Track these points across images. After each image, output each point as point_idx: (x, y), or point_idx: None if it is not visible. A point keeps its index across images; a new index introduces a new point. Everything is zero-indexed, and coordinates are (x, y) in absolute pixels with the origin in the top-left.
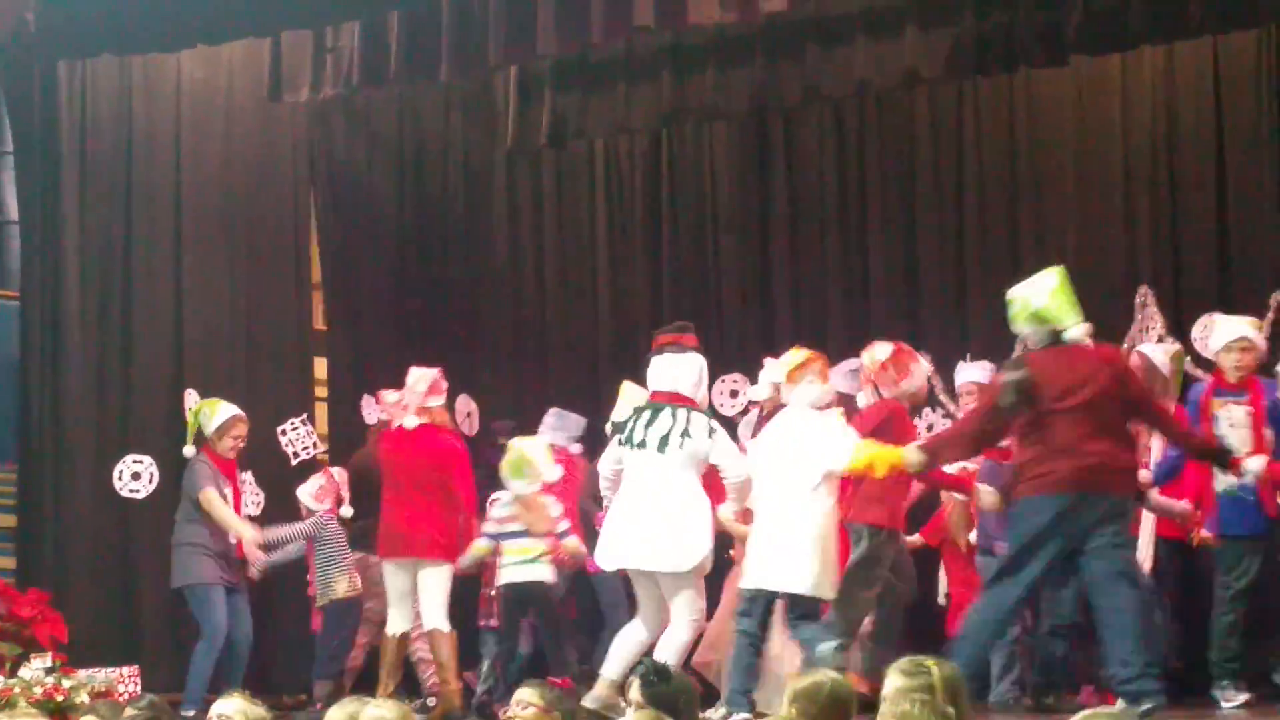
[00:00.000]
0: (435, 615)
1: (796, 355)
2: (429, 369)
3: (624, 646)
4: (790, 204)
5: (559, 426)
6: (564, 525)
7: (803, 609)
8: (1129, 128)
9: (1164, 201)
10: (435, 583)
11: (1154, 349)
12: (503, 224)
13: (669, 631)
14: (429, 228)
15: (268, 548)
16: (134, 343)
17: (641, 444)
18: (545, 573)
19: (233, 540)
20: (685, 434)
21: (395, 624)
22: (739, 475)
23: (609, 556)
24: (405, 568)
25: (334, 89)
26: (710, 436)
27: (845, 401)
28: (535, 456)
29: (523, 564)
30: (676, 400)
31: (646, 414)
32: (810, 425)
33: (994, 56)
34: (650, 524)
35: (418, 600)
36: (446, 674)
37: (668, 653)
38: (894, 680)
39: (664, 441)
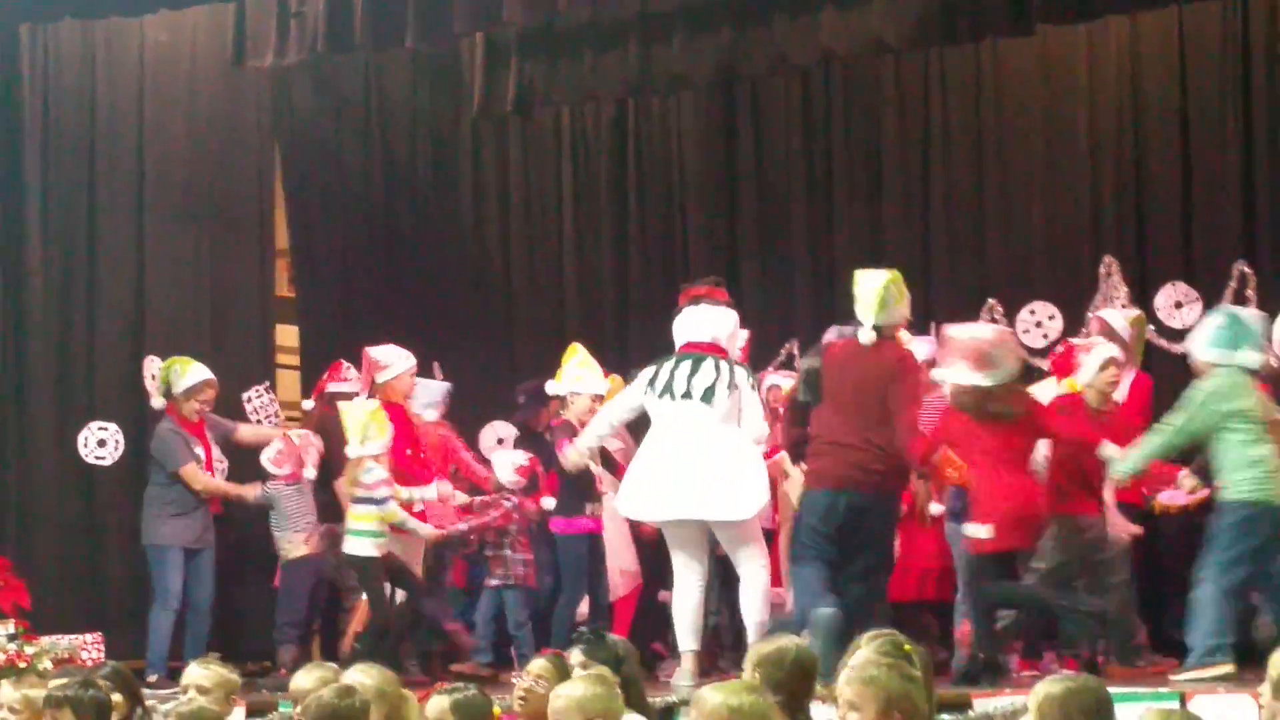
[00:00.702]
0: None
1: None
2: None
3: (688, 613)
4: (757, 172)
5: (417, 395)
6: (384, 491)
7: None
8: (1094, 97)
9: (1128, 171)
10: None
11: (1114, 314)
12: (468, 191)
13: (749, 583)
14: (394, 195)
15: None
16: (97, 309)
17: (686, 394)
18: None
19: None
20: (732, 384)
21: None
22: (762, 431)
23: (646, 508)
24: None
25: (299, 55)
26: (752, 389)
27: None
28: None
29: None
30: (717, 351)
31: (687, 364)
32: None
33: (960, 26)
34: (702, 474)
35: None
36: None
37: (757, 604)
38: (863, 650)
39: (710, 392)
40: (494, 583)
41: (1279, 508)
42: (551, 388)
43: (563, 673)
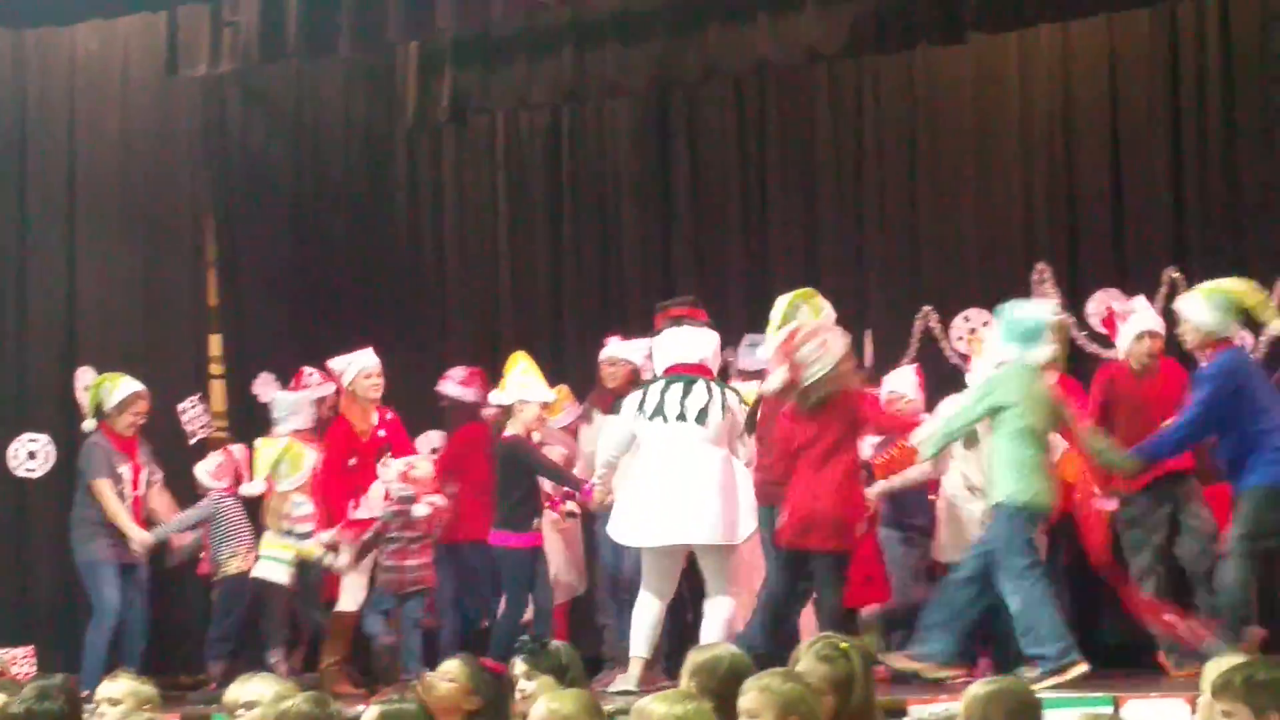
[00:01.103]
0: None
1: None
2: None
3: (647, 624)
4: (691, 180)
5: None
6: (305, 527)
7: None
8: (1026, 105)
9: (1060, 178)
10: None
11: None
12: (403, 200)
13: (718, 608)
14: (328, 204)
15: (159, 546)
16: (28, 320)
17: (680, 416)
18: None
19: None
20: (725, 407)
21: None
22: (752, 454)
23: (640, 534)
24: None
25: (232, 64)
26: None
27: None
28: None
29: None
30: (706, 373)
31: (678, 386)
32: None
33: (893, 34)
34: (695, 498)
35: None
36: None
37: (718, 630)
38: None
39: (704, 414)
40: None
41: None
42: (496, 398)
43: (474, 679)
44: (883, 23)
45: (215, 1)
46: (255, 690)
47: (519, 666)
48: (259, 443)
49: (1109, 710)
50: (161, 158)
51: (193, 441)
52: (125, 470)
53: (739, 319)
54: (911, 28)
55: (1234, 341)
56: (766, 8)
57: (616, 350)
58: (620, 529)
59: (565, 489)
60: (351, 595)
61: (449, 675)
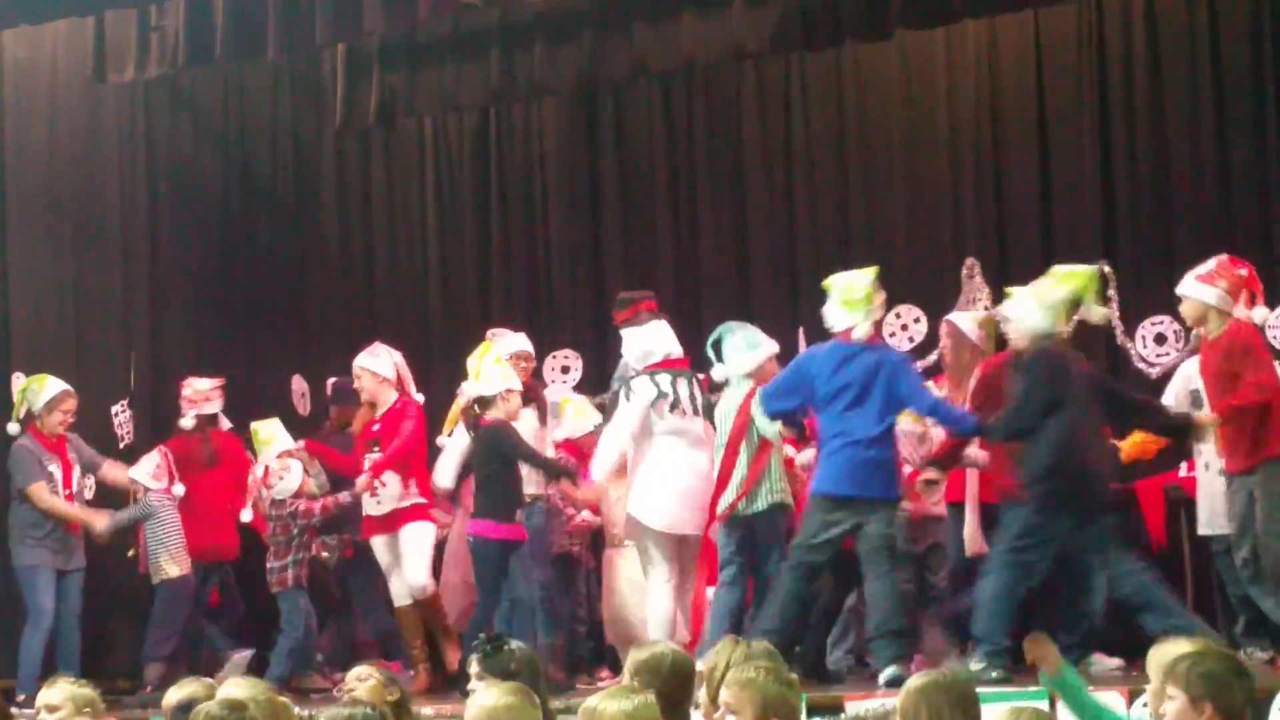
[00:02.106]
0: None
1: None
2: None
3: (670, 615)
4: (620, 180)
5: None
6: None
7: None
8: (954, 100)
9: (988, 173)
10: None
11: (961, 316)
12: (331, 204)
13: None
14: (257, 208)
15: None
16: None
17: (695, 411)
18: None
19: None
20: (706, 402)
21: (398, 596)
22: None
23: (679, 521)
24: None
25: (160, 69)
26: None
27: None
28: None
29: None
30: (689, 367)
31: (684, 380)
32: None
33: (819, 30)
34: (706, 488)
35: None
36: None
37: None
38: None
39: (708, 408)
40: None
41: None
42: (473, 388)
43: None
44: (810, 20)
45: (142, 6)
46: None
47: (473, 666)
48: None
49: (1044, 704)
50: (90, 163)
51: (123, 445)
52: (56, 469)
53: (669, 317)
54: (838, 25)
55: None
56: (692, 7)
57: (521, 344)
58: (660, 516)
59: (556, 473)
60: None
61: (360, 676)
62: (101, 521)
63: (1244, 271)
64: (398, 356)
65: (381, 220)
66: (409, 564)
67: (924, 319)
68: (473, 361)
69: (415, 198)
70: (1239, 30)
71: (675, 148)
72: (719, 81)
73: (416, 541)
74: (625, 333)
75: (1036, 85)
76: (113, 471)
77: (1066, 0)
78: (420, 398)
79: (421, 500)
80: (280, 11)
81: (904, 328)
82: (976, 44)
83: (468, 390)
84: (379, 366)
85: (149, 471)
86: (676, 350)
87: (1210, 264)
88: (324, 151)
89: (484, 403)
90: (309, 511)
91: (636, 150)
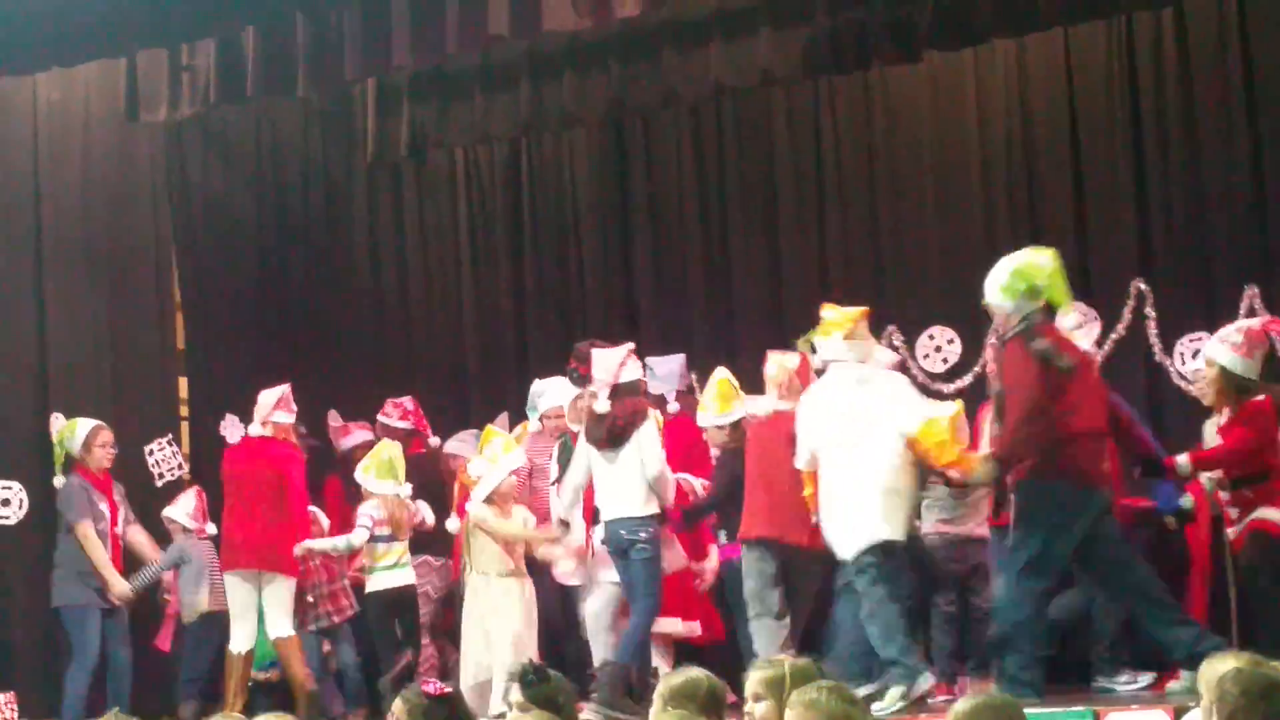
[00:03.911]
0: (282, 624)
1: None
2: (279, 387)
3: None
4: (651, 208)
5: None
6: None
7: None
8: (984, 121)
9: (1021, 193)
10: (280, 593)
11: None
12: (364, 237)
13: None
14: (290, 244)
15: (135, 592)
16: None
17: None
18: (410, 576)
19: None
20: None
21: (239, 641)
22: None
23: None
24: (249, 579)
25: (191, 108)
26: None
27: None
28: (400, 459)
29: (391, 569)
30: None
31: None
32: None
33: (848, 54)
34: None
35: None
36: (300, 677)
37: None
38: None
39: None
40: (316, 626)
41: None
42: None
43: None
44: (837, 44)
45: (173, 46)
46: None
47: (514, 694)
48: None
49: None
50: (125, 202)
51: (160, 484)
52: (104, 507)
53: (701, 343)
54: (866, 48)
55: None
56: (720, 33)
57: (554, 400)
58: None
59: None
60: (245, 632)
61: (394, 714)
62: (121, 587)
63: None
64: None
65: (414, 252)
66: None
67: (958, 340)
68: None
69: (448, 229)
70: (1271, 46)
71: (705, 174)
72: (748, 108)
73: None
74: None
75: (1067, 104)
76: (138, 536)
77: (1096, 18)
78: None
79: None
80: (310, 48)
81: (937, 349)
82: (1006, 64)
83: (471, 472)
84: None
85: (187, 511)
86: None
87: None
88: (356, 186)
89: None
90: None
91: (667, 178)
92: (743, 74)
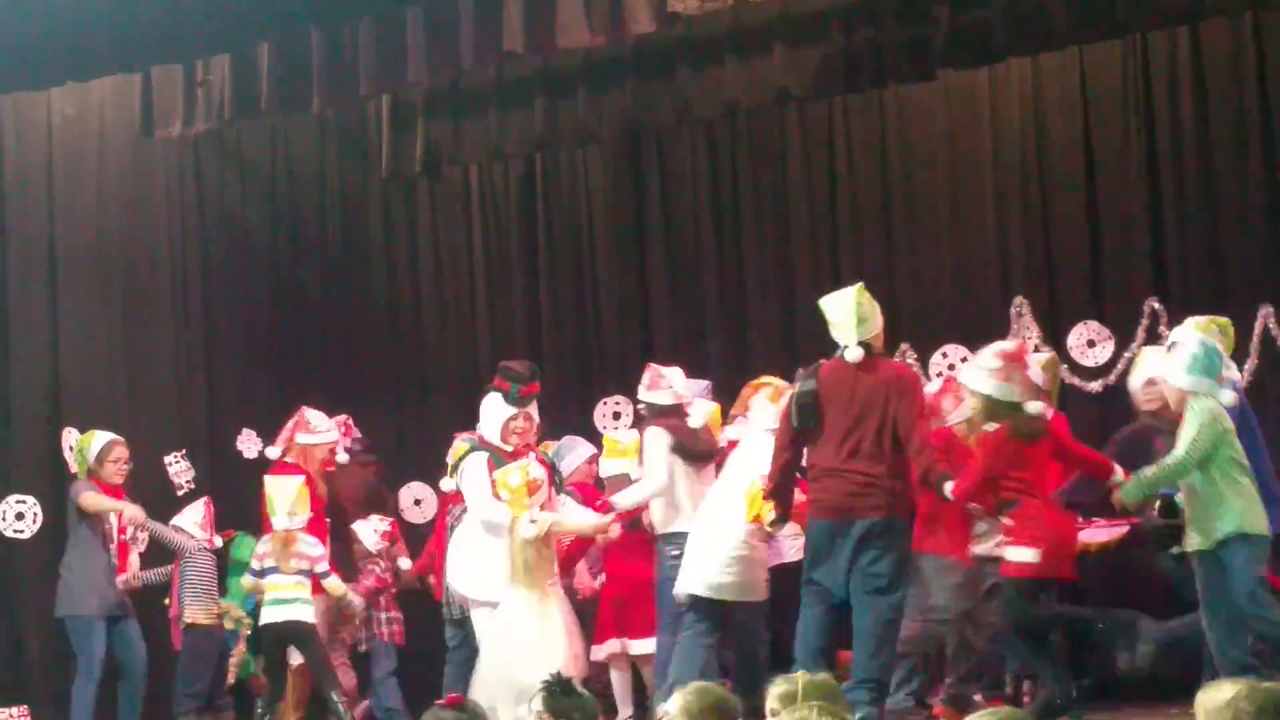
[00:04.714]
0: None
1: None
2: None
3: None
4: (665, 224)
5: None
6: (323, 566)
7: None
8: (999, 139)
9: (1035, 211)
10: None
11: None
12: (379, 253)
13: None
14: (305, 259)
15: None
16: (11, 383)
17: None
18: (305, 612)
19: (115, 562)
20: None
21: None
22: None
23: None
24: None
25: (206, 123)
26: None
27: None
28: (295, 493)
29: (279, 604)
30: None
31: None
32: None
33: (862, 72)
34: None
35: None
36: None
37: None
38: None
39: None
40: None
41: None
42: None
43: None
44: (852, 62)
45: (188, 62)
46: None
47: (536, 704)
48: (271, 480)
49: None
50: (140, 218)
51: (181, 494)
52: (111, 516)
53: (716, 360)
54: (881, 66)
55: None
56: (735, 51)
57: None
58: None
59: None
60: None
61: None
62: (132, 509)
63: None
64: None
65: (429, 268)
66: None
67: (971, 359)
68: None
69: (462, 245)
70: None
71: (720, 191)
72: (762, 125)
73: None
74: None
75: (1082, 123)
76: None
77: (1110, 37)
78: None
79: None
80: (324, 64)
81: (951, 367)
82: (1021, 83)
83: (444, 487)
84: None
85: (195, 520)
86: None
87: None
88: (370, 202)
89: None
90: None
91: (681, 195)
92: (758, 92)
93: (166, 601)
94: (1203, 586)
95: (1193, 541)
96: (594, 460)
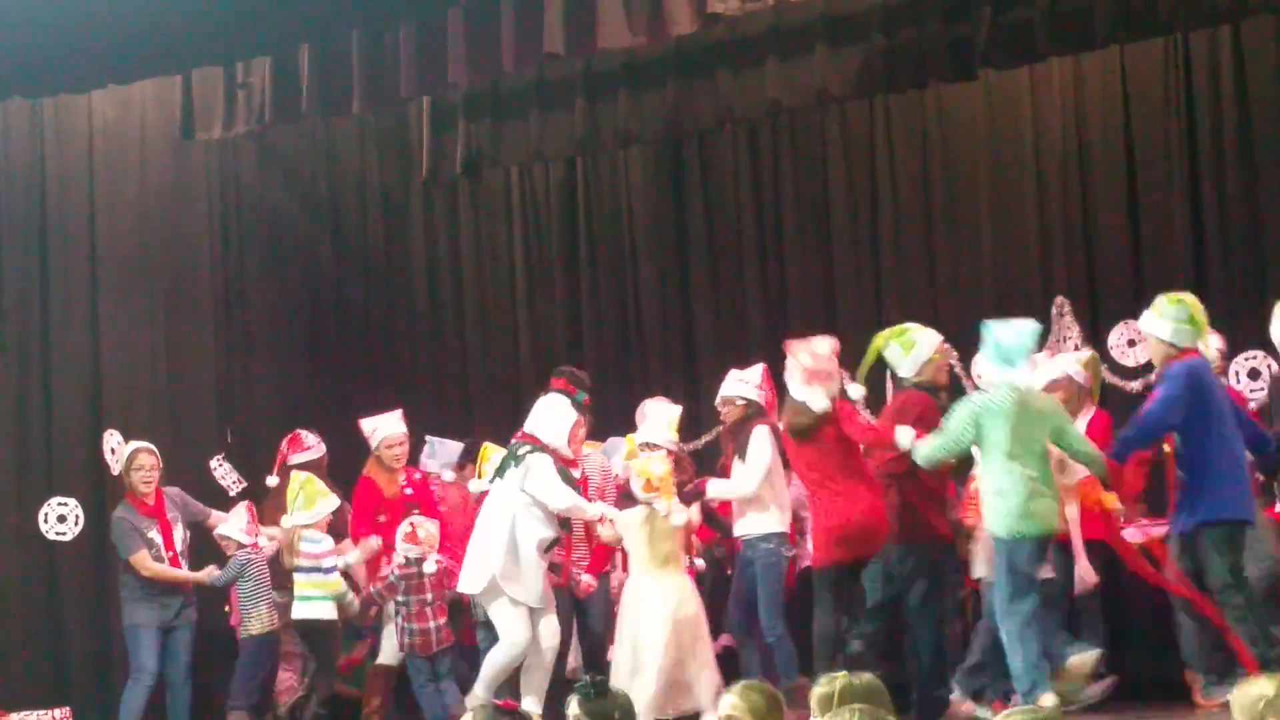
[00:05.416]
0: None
1: None
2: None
3: None
4: (707, 225)
5: (433, 454)
6: (329, 562)
7: None
8: (1040, 139)
9: (1076, 211)
10: None
11: (1067, 358)
12: (420, 255)
13: None
14: (346, 261)
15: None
16: (53, 386)
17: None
18: (320, 609)
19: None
20: None
21: (387, 653)
22: None
23: None
24: None
25: (247, 125)
26: None
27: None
28: (297, 490)
29: (301, 601)
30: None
31: None
32: None
33: (903, 73)
34: None
35: None
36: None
37: None
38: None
39: None
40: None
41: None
42: (478, 486)
43: None
44: (893, 62)
45: (229, 64)
46: None
47: (573, 708)
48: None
49: None
50: (179, 220)
51: (233, 494)
52: (155, 535)
53: (757, 361)
54: (922, 66)
55: (1197, 352)
56: (776, 52)
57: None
58: None
59: None
60: (391, 648)
61: None
62: (200, 574)
63: None
64: None
65: (470, 270)
66: None
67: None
68: None
69: (503, 247)
70: None
71: (761, 192)
72: (803, 126)
73: None
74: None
75: (1123, 123)
76: (220, 521)
77: (1152, 37)
78: None
79: None
80: (365, 66)
81: None
82: (1062, 82)
83: (473, 489)
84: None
85: (240, 527)
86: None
87: None
88: (411, 204)
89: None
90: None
91: (723, 195)
92: (799, 93)
93: (227, 609)
94: None
95: None
96: None
